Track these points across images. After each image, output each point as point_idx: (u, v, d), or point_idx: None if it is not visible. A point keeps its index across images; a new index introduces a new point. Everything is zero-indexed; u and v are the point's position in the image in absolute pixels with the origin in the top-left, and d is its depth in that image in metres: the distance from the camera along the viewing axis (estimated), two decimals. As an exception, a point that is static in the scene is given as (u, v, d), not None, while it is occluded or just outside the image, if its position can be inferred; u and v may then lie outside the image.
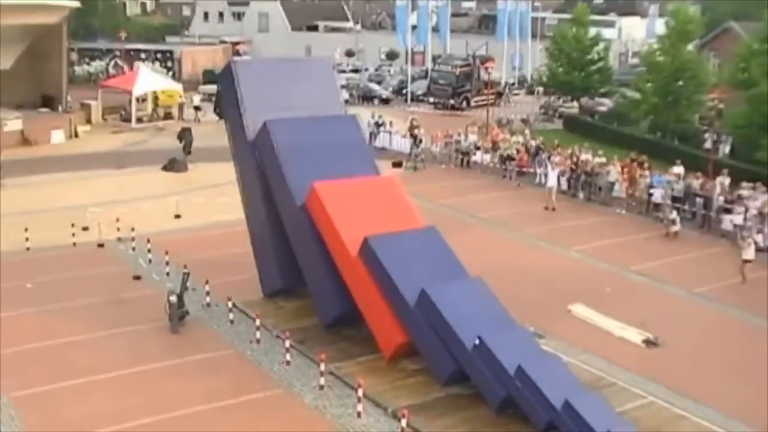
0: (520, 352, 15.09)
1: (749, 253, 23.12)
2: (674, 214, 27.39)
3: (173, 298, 18.78)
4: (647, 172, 30.54)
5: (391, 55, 73.30)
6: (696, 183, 28.96)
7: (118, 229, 25.34)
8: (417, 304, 16.11)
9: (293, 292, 19.79)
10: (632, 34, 71.01)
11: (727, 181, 29.23)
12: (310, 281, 18.92)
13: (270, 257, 19.94)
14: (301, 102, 20.08)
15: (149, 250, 23.41)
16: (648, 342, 18.75)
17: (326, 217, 17.72)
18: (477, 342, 15.17)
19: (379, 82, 60.25)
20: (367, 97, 55.77)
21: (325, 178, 18.14)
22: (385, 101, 55.48)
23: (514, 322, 16.46)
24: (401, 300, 16.35)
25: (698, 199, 28.43)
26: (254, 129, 19.55)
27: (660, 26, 53.89)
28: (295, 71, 21.41)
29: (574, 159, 32.67)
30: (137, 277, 22.18)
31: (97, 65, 61.96)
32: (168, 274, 22.00)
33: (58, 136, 40.94)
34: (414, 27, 59.66)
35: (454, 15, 66.52)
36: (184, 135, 37.74)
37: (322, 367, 16.24)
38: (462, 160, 36.95)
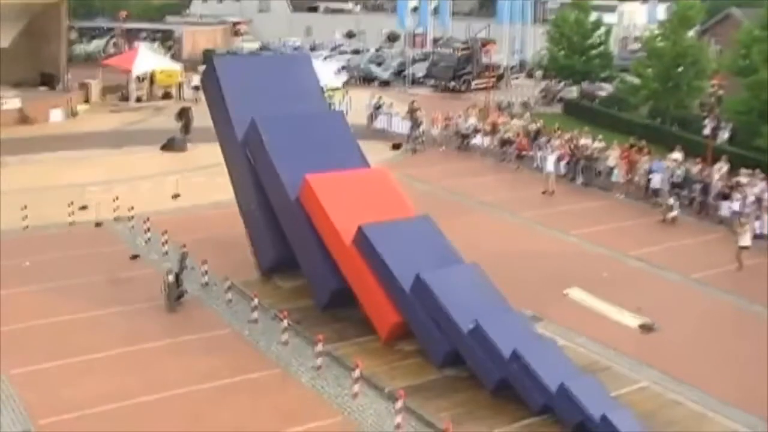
0: (515, 335, 15.18)
1: (746, 240, 23.16)
2: (672, 200, 27.42)
3: (171, 278, 18.84)
4: (646, 158, 30.53)
5: (392, 37, 73.00)
6: (695, 169, 28.95)
7: (117, 209, 25.26)
8: (412, 290, 16.19)
9: (290, 272, 19.83)
10: (633, 19, 70.72)
11: (725, 167, 29.23)
12: (304, 266, 19.08)
13: (263, 232, 20.03)
14: (284, 98, 20.29)
15: (147, 230, 23.39)
16: (644, 327, 18.82)
17: (320, 209, 17.85)
18: (472, 326, 15.23)
19: (379, 64, 59.96)
20: (367, 79, 55.52)
21: (317, 171, 18.30)
22: (385, 83, 55.22)
23: (510, 306, 16.54)
24: (397, 286, 16.45)
25: (697, 185, 28.43)
26: (241, 124, 19.68)
27: (661, 12, 53.80)
28: (276, 67, 21.72)
29: (574, 143, 32.63)
30: (135, 257, 22.21)
31: (97, 44, 61.63)
32: (166, 253, 22.02)
33: (56, 115, 40.76)
34: (415, 9, 59.42)
35: (455, -3, 66.34)
36: (184, 114, 37.63)
37: (319, 347, 16.32)
38: (461, 142, 36.89)
